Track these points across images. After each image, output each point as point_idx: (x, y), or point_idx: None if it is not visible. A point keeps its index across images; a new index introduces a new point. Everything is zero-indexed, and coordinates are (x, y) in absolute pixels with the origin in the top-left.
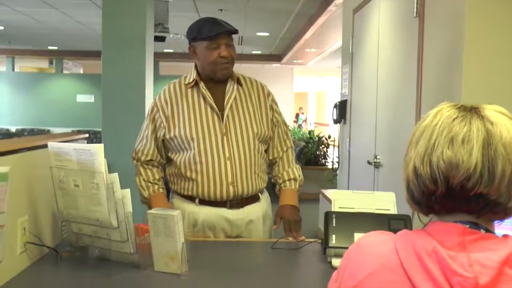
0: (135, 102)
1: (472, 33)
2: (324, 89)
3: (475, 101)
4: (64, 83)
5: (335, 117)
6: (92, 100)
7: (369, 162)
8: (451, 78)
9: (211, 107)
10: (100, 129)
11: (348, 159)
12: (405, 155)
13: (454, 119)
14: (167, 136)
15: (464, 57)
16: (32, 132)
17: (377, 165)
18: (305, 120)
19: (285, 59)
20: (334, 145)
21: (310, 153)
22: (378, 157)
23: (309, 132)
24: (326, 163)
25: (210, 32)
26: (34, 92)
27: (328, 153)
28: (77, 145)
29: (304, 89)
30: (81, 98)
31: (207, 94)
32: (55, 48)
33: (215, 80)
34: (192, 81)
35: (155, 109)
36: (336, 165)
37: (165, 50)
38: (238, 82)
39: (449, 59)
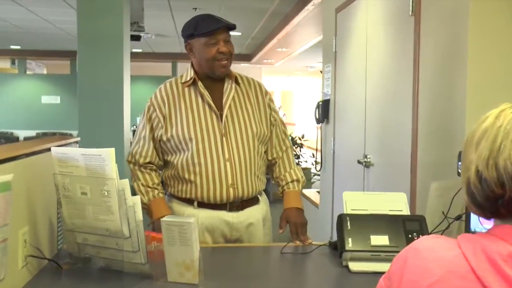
0: (113, 103)
1: (477, 31)
2: (290, 88)
3: (480, 101)
4: (28, 84)
5: (317, 117)
6: (58, 101)
7: (359, 162)
8: (453, 77)
9: (210, 107)
10: (67, 131)
11: (332, 158)
12: (463, 158)
13: None
14: (164, 137)
15: (469, 56)
16: None
17: (367, 165)
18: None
19: (255, 59)
20: (308, 146)
21: None
22: (368, 156)
23: None
24: (300, 163)
25: (208, 27)
26: None
27: (301, 153)
28: (85, 150)
29: (270, 89)
30: (47, 99)
31: (205, 93)
32: (18, 47)
33: (213, 79)
34: (190, 80)
35: (152, 108)
36: (313, 165)
37: (134, 50)
38: (236, 81)
39: (450, 58)
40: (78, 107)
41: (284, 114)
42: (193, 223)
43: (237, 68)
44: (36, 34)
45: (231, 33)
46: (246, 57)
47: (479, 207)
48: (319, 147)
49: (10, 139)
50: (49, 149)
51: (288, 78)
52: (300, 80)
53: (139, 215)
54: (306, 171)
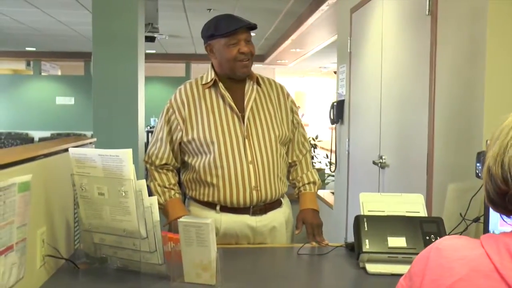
0: (127, 104)
1: (495, 31)
2: (303, 89)
3: (499, 102)
4: (43, 85)
5: (332, 117)
6: (72, 102)
7: (374, 163)
8: (471, 77)
9: (231, 109)
10: (81, 132)
11: (347, 159)
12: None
13: None
14: (185, 139)
15: (487, 56)
16: (10, 136)
17: (383, 166)
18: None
19: (268, 60)
20: (321, 147)
21: None
22: (383, 157)
23: None
24: (314, 164)
25: (228, 28)
26: (11, 94)
27: (316, 154)
28: (102, 150)
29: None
30: (61, 100)
31: (227, 95)
32: (33, 49)
33: (234, 80)
34: (210, 81)
35: (171, 110)
36: (327, 166)
37: (147, 51)
38: (257, 82)
39: (468, 58)
40: (93, 108)
41: (303, 114)
42: (211, 224)
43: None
44: (51, 36)
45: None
46: (260, 58)
47: (493, 203)
48: (333, 148)
49: (25, 140)
50: (66, 150)
51: (301, 78)
52: (313, 80)
53: (156, 215)
54: (320, 172)
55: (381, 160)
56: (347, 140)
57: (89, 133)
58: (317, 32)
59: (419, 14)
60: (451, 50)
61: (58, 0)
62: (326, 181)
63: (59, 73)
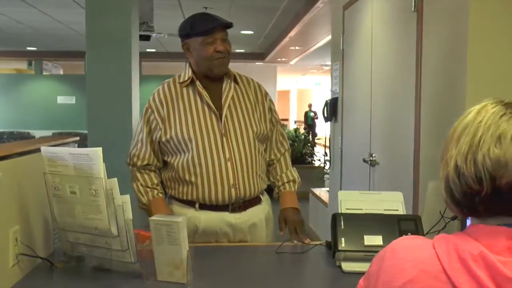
0: (121, 103)
1: (476, 29)
2: (307, 86)
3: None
4: (44, 85)
5: (325, 115)
6: (73, 101)
7: (364, 160)
8: (454, 74)
9: (209, 107)
10: (82, 131)
11: (340, 157)
12: (444, 153)
13: (501, 116)
14: (163, 139)
15: (468, 53)
16: (12, 135)
17: (372, 163)
18: (315, 117)
19: (268, 58)
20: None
21: (297, 151)
22: (373, 155)
23: (295, 131)
24: (313, 162)
25: (204, 26)
26: (13, 94)
27: (315, 152)
28: (73, 149)
29: (286, 87)
30: (62, 99)
31: (204, 93)
32: (34, 49)
33: (211, 78)
34: (188, 79)
35: (150, 110)
36: (325, 164)
37: (148, 50)
38: (235, 80)
39: (451, 55)
40: (87, 106)
41: (315, 114)
42: (181, 222)
43: (252, 67)
44: (50, 35)
45: (245, 31)
46: (260, 56)
47: (457, 204)
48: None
49: (27, 139)
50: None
51: (303, 76)
52: (316, 78)
53: (128, 214)
54: (318, 169)
55: (371, 158)
56: (340, 138)
57: None
58: (315, 29)
59: (405, 11)
60: (436, 47)
61: (55, 0)
62: (324, 179)
63: (61, 72)
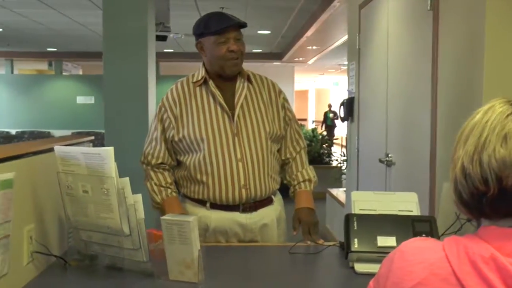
0: (138, 103)
1: (493, 27)
2: (325, 86)
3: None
4: (64, 85)
5: (342, 115)
6: (92, 101)
7: (380, 161)
8: (471, 74)
9: (221, 106)
10: (101, 131)
11: (356, 157)
12: (452, 154)
13: (507, 116)
14: (176, 138)
15: (485, 52)
16: (33, 135)
17: (389, 164)
18: (335, 118)
19: (286, 57)
20: (341, 144)
21: (314, 152)
22: (389, 155)
23: (312, 131)
24: (331, 162)
25: (218, 26)
26: (34, 94)
27: (332, 152)
28: (85, 148)
29: (304, 87)
30: (81, 99)
31: (217, 93)
32: (54, 49)
33: (224, 78)
34: (201, 79)
35: (163, 109)
36: (342, 164)
37: (165, 50)
38: (248, 80)
39: (468, 53)
40: (104, 107)
41: (335, 115)
42: (192, 221)
43: (269, 67)
44: (69, 36)
45: (262, 31)
46: (277, 56)
47: (465, 206)
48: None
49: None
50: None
51: (322, 76)
52: (334, 78)
53: (140, 213)
54: (335, 169)
55: (387, 158)
56: (356, 138)
57: None
58: (332, 29)
59: (421, 9)
60: (452, 46)
61: (74, 0)
62: (341, 179)
63: (81, 72)
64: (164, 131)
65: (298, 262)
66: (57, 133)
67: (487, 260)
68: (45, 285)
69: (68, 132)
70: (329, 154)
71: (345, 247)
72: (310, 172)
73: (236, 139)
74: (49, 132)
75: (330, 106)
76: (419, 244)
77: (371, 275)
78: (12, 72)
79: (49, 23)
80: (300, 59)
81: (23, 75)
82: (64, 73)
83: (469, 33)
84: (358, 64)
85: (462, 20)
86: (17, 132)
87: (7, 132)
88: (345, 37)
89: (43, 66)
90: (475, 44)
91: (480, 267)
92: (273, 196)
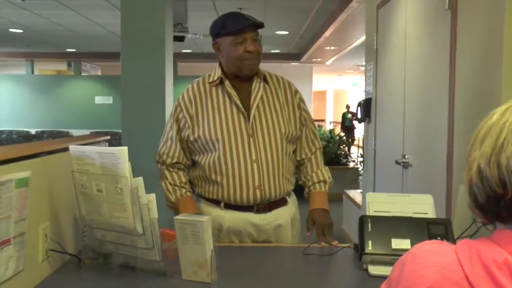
0: (155, 104)
1: None
2: (343, 87)
3: None
4: (82, 85)
5: (359, 116)
6: (111, 101)
7: (397, 162)
8: (489, 74)
9: (237, 107)
10: (119, 131)
11: (373, 158)
12: (467, 156)
13: None
14: (191, 138)
15: (504, 52)
16: (52, 134)
17: (405, 165)
18: (354, 119)
19: (304, 58)
20: (358, 145)
21: (331, 153)
22: (406, 156)
23: (330, 132)
24: (348, 163)
25: (234, 26)
26: (53, 94)
27: (350, 153)
28: (100, 148)
29: (322, 88)
30: (100, 99)
31: (233, 93)
32: (73, 50)
33: (241, 78)
34: (217, 79)
35: (179, 108)
36: (359, 165)
37: (183, 51)
38: (264, 80)
39: (486, 53)
40: (121, 107)
41: (353, 115)
42: (205, 221)
43: (287, 67)
44: (88, 37)
45: (280, 32)
46: (296, 56)
47: (481, 209)
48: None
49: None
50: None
51: (340, 77)
52: (352, 79)
53: (154, 212)
54: (352, 171)
55: (404, 159)
56: (373, 139)
57: None
58: (350, 29)
59: (439, 8)
60: (470, 46)
61: (92, 1)
62: (358, 180)
63: (99, 73)
64: (179, 130)
65: (311, 263)
66: (75, 132)
67: (500, 265)
68: (59, 282)
69: (86, 132)
70: (346, 155)
71: (359, 249)
72: (325, 173)
73: (251, 140)
74: (68, 132)
75: (348, 107)
76: (432, 247)
77: (385, 277)
78: (32, 73)
79: (68, 24)
80: (318, 59)
81: (43, 76)
82: (83, 74)
83: (487, 32)
84: (375, 65)
85: (480, 19)
86: (36, 131)
87: (27, 132)
88: (363, 38)
89: (62, 66)
90: (493, 44)
91: (493, 272)
92: (287, 197)
